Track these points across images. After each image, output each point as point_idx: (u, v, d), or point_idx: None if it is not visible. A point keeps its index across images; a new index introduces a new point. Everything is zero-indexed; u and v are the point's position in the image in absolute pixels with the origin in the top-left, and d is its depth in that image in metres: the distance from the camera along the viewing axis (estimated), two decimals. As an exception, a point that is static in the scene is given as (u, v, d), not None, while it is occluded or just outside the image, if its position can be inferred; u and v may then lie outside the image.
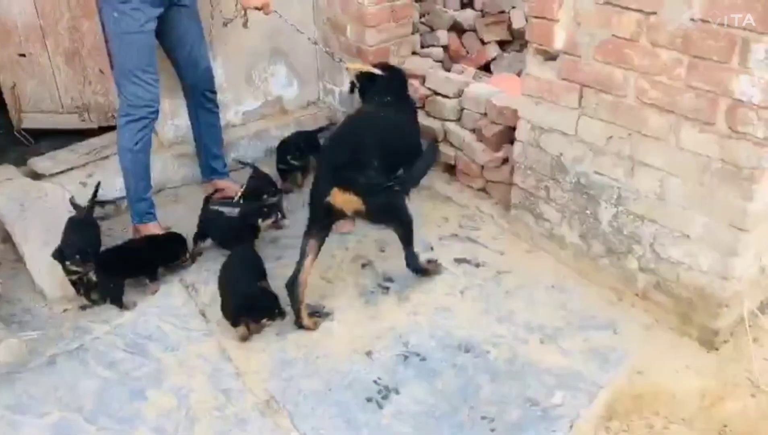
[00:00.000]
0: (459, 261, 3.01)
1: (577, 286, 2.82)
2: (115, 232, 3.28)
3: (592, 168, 2.65)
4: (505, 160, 3.24)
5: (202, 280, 2.92)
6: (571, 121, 2.66)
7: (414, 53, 3.85)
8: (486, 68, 4.05)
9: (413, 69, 3.70)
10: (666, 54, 2.26)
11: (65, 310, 2.74)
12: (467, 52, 4.07)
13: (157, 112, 2.86)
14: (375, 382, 2.39)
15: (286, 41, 3.83)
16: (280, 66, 3.89)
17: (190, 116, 3.26)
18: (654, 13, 2.23)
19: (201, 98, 3.18)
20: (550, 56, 2.67)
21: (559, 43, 2.59)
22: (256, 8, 2.75)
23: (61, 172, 3.34)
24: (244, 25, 2.82)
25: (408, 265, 2.76)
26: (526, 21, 3.94)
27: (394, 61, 3.72)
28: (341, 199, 2.52)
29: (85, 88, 3.55)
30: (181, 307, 2.76)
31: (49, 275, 2.81)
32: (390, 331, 2.62)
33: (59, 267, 2.81)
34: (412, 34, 3.78)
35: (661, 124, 2.35)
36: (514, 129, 3.17)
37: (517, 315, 2.68)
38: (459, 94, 3.42)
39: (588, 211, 2.74)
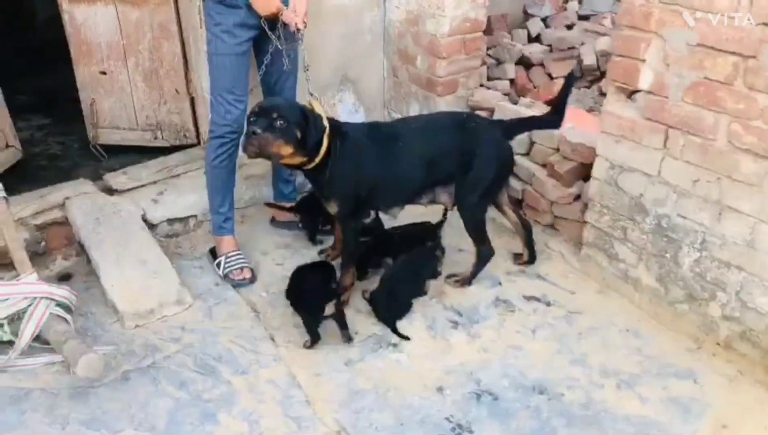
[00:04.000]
0: (529, 298, 2.96)
1: (653, 331, 2.74)
2: (184, 249, 3.33)
3: (675, 211, 2.59)
4: (577, 197, 3.19)
5: (268, 303, 2.93)
6: (654, 161, 2.61)
7: (481, 85, 3.85)
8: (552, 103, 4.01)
9: (481, 101, 3.70)
10: (764, 99, 2.20)
11: (136, 326, 2.76)
12: (534, 87, 4.04)
13: (236, 133, 2.90)
14: (448, 419, 2.34)
15: (357, 68, 3.87)
16: (347, 93, 3.93)
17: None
18: (753, 56, 2.19)
19: None
20: (633, 95, 2.63)
21: (644, 83, 2.55)
22: (273, 15, 2.69)
23: (134, 187, 3.39)
24: (305, 69, 2.84)
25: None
26: (596, 58, 3.94)
27: (462, 92, 3.73)
28: None
29: (160, 107, 3.63)
30: (250, 330, 2.76)
31: (121, 290, 2.85)
32: (461, 368, 2.57)
33: (132, 283, 2.87)
34: (481, 66, 3.78)
35: (755, 170, 2.29)
36: (587, 166, 3.15)
37: (591, 358, 2.61)
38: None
39: (668, 255, 2.67)
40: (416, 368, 2.57)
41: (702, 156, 2.43)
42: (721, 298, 2.53)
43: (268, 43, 2.77)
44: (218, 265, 3.09)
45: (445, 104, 3.68)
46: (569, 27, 4.29)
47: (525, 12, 4.44)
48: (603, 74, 3.99)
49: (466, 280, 3.02)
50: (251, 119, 2.52)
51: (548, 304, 2.93)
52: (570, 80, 2.82)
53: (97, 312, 2.85)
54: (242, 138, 2.53)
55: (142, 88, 3.60)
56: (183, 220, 3.41)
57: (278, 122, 2.48)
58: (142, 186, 3.41)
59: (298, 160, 2.58)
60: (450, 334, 2.75)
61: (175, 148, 3.73)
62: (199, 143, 3.74)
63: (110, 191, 3.38)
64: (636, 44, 2.53)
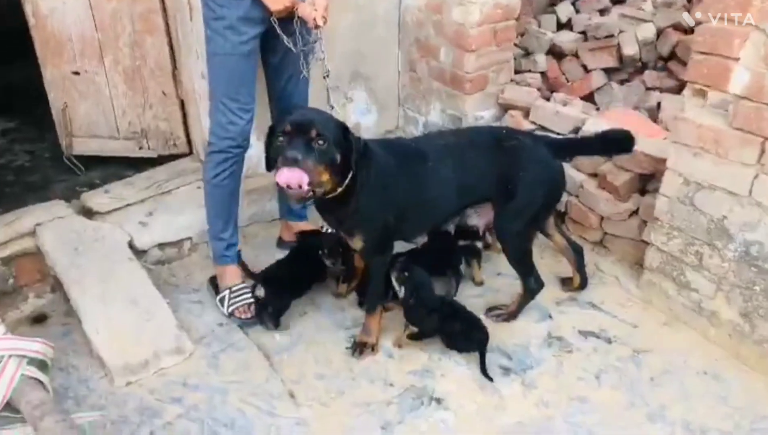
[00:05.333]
0: (585, 334, 2.56)
1: (737, 374, 2.36)
2: (178, 279, 2.86)
3: (769, 237, 2.19)
4: (634, 213, 2.78)
5: (285, 348, 2.49)
6: (743, 179, 2.20)
7: (511, 81, 3.41)
8: (588, 99, 3.58)
9: (514, 99, 3.26)
10: None
11: (128, 384, 2.30)
12: (567, 80, 3.61)
13: (241, 147, 2.44)
14: (514, 499, 1.94)
15: (369, 65, 3.41)
16: (359, 91, 3.46)
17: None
18: None
19: None
20: (720, 100, 2.21)
21: (736, 86, 2.13)
22: (286, 9, 2.22)
23: (118, 208, 2.92)
24: (325, 76, 2.35)
25: None
26: (638, 47, 3.51)
27: (491, 89, 3.28)
28: None
29: (145, 111, 3.12)
30: (264, 384, 2.33)
31: (109, 337, 2.39)
32: (520, 428, 2.17)
33: (121, 328, 2.41)
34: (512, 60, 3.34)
35: None
36: (647, 177, 2.76)
37: (670, 411, 2.23)
38: (574, 132, 2.96)
39: (757, 287, 2.27)
40: (467, 431, 2.16)
41: (811, 175, 2.03)
42: (826, 340, 2.15)
43: (277, 40, 2.30)
44: (222, 300, 2.64)
45: (472, 103, 3.23)
46: (602, 12, 3.84)
47: (551, -5, 3.98)
48: (645, 65, 3.57)
49: (512, 315, 2.61)
50: (280, 139, 2.04)
51: (609, 341, 2.53)
52: None
53: (80, 365, 2.39)
54: (280, 165, 1.98)
55: (123, 91, 3.09)
56: (176, 243, 2.94)
57: (318, 142, 2.00)
58: (128, 206, 2.94)
59: (326, 187, 2.12)
60: (501, 384, 2.33)
61: (164, 159, 3.24)
62: (191, 152, 3.26)
63: (89, 213, 2.91)
64: (728, 39, 2.10)
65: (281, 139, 2.02)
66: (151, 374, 2.34)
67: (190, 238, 2.97)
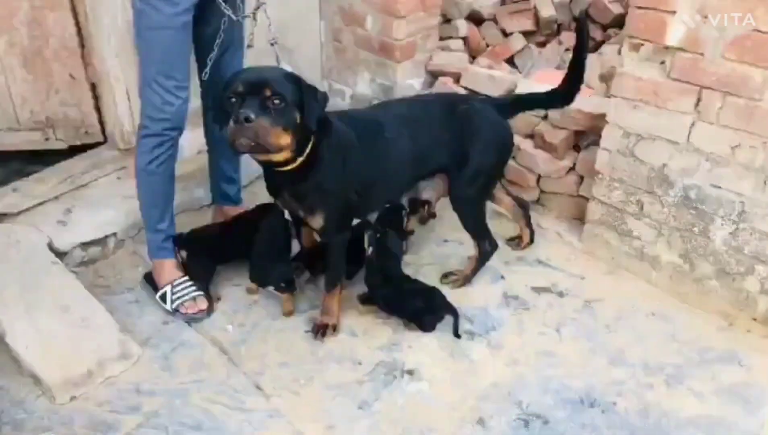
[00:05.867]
0: (538, 290, 2.61)
1: (680, 313, 2.50)
2: (107, 280, 2.62)
3: (707, 180, 2.31)
4: (571, 169, 2.86)
5: (241, 340, 2.35)
6: (682, 127, 2.30)
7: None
8: (509, 62, 3.63)
9: (444, 65, 3.24)
10: (825, 50, 1.93)
11: (72, 399, 2.09)
12: (487, 45, 3.63)
13: (178, 129, 2.25)
14: (503, 460, 1.95)
15: (291, 36, 3.25)
16: (283, 64, 3.29)
17: (205, 130, 2.64)
18: (815, 2, 1.90)
19: None
20: (657, 53, 2.29)
21: (673, 38, 2.21)
22: None
23: (31, 207, 2.62)
24: (273, 43, 2.21)
25: None
26: (554, 9, 3.58)
27: (420, 56, 3.24)
28: None
29: (50, 98, 2.80)
30: (226, 380, 2.18)
31: (42, 351, 2.14)
32: (495, 390, 2.17)
33: (54, 339, 2.17)
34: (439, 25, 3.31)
35: (810, 131, 2.04)
36: (580, 133, 2.83)
37: (628, 353, 2.32)
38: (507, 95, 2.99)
39: (695, 229, 2.41)
40: (445, 399, 2.14)
41: (745, 119, 2.15)
42: (761, 271, 2.31)
43: (215, 11, 2.12)
44: (163, 297, 2.45)
45: (402, 71, 3.18)
46: (514, -25, 3.88)
47: (463, -40, 3.97)
48: (560, 27, 3.66)
49: (467, 279, 2.61)
50: (232, 99, 1.87)
51: (561, 294, 2.60)
52: (583, 36, 2.39)
53: (11, 386, 2.13)
54: (230, 126, 1.85)
55: (22, 76, 2.74)
56: (100, 241, 2.68)
57: (274, 101, 1.86)
58: (42, 204, 2.64)
59: (284, 155, 1.98)
60: (468, 348, 2.33)
61: (75, 150, 2.93)
62: (105, 141, 2.97)
63: (-1, 217, 2.59)
64: (663, -8, 2.17)
65: (233, 99, 1.87)
66: (98, 385, 2.13)
67: (114, 234, 2.72)
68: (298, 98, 1.92)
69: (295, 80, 1.95)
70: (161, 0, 2.00)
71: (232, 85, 1.90)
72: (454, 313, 2.35)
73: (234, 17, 2.12)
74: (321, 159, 2.06)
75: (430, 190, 2.51)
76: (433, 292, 2.40)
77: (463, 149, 2.33)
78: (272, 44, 2.19)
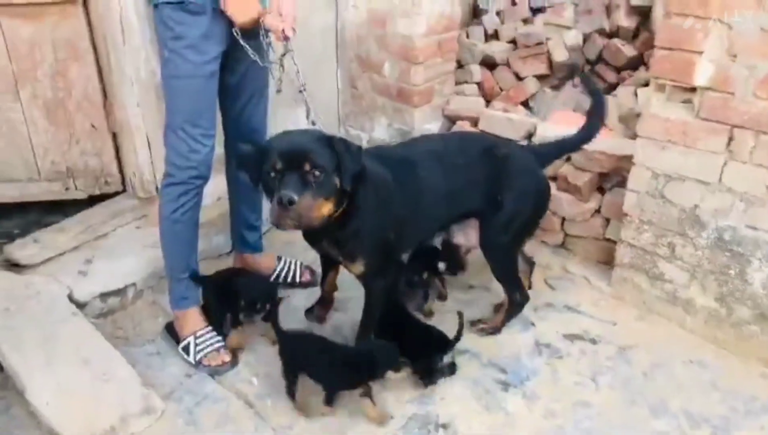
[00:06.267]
0: (570, 338, 2.54)
1: (718, 359, 2.43)
2: (126, 331, 2.56)
3: (742, 221, 2.26)
4: (596, 212, 2.82)
5: (267, 393, 2.27)
6: (713, 167, 2.27)
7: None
8: (524, 105, 3.64)
9: (461, 109, 3.24)
10: None
11: (94, 457, 2.00)
12: (501, 89, 3.65)
13: (203, 177, 2.22)
14: None
15: (309, 84, 3.25)
16: (301, 110, 3.30)
17: (228, 177, 2.61)
18: None
19: None
20: (685, 93, 2.28)
21: (701, 78, 2.20)
22: (253, 21, 2.05)
23: (51, 258, 2.57)
24: (278, 90, 2.22)
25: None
26: (567, 53, 3.60)
27: (437, 101, 3.24)
28: None
29: (71, 148, 2.79)
30: (254, 434, 2.10)
31: (62, 405, 2.07)
32: (534, 443, 2.09)
33: (75, 394, 2.10)
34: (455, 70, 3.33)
35: None
36: (603, 175, 2.80)
37: (670, 403, 2.23)
38: (527, 137, 2.98)
39: (732, 272, 2.35)
40: (482, 454, 2.05)
41: (779, 157, 2.12)
42: (803, 315, 2.24)
43: (240, 59, 2.12)
44: (186, 348, 2.38)
45: (420, 116, 3.18)
46: (525, 21, 3.93)
47: (474, 7, 4.02)
48: (575, 70, 3.67)
49: (497, 329, 2.53)
50: (271, 174, 1.85)
51: (593, 341, 2.52)
52: (597, 93, 2.42)
53: (30, 443, 2.05)
54: (273, 208, 1.84)
55: (44, 127, 2.75)
56: (120, 292, 2.63)
57: (315, 174, 1.83)
58: (62, 254, 2.61)
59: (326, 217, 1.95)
60: (503, 400, 2.25)
61: (95, 200, 2.91)
62: (125, 190, 2.95)
63: (17, 267, 2.54)
64: (690, 34, 2.16)
65: (272, 174, 1.84)
66: (121, 442, 2.05)
67: (134, 284, 2.67)
68: (335, 162, 1.88)
69: (329, 143, 1.91)
70: (189, 49, 2.01)
71: (270, 159, 1.86)
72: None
73: (261, 63, 2.12)
74: (359, 205, 2.02)
75: (461, 235, 2.45)
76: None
77: (499, 194, 2.28)
78: (301, 91, 2.18)
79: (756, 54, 2.06)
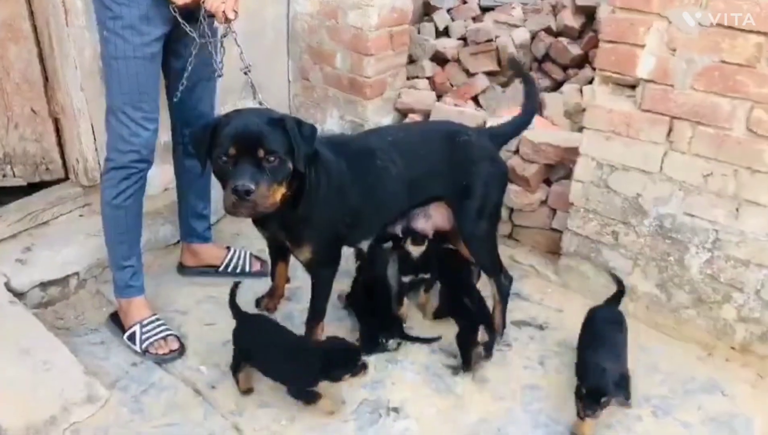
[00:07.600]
0: (518, 324, 2.59)
1: (658, 343, 2.52)
2: (68, 321, 2.48)
3: (680, 209, 2.36)
4: (543, 202, 2.89)
5: (216, 380, 2.23)
6: (654, 157, 2.36)
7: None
8: (474, 101, 3.70)
9: (413, 103, 3.27)
10: (790, 81, 2.03)
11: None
12: (452, 85, 3.70)
13: (146, 161, 2.17)
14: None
15: (259, 75, 3.21)
16: (250, 101, 3.26)
17: (175, 164, 2.56)
18: (778, 35, 2.00)
19: None
20: (628, 86, 2.37)
21: (643, 71, 2.29)
22: (193, 2, 2.01)
23: (-13, 247, 2.47)
24: (219, 74, 2.19)
25: None
26: (516, 50, 3.69)
27: (389, 94, 3.26)
28: None
29: (9, 133, 2.67)
30: (203, 422, 2.06)
31: (1, 397, 1.98)
32: (485, 425, 2.12)
33: (14, 384, 2.01)
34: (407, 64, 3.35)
35: (779, 159, 2.12)
36: (550, 167, 2.87)
37: (613, 385, 2.30)
38: (478, 131, 3.02)
39: (671, 258, 2.45)
40: (434, 436, 2.07)
41: (715, 147, 2.22)
42: (737, 299, 2.35)
43: (186, 43, 2.08)
44: (131, 337, 2.32)
45: (373, 109, 3.19)
46: (474, 19, 4.00)
47: (426, 4, 4.07)
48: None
49: (501, 326, 2.49)
50: (223, 159, 1.82)
51: (541, 327, 2.58)
52: (528, 78, 2.55)
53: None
54: (227, 196, 1.81)
55: (-22, 111, 2.63)
56: (61, 281, 2.54)
57: (269, 159, 1.81)
58: (-1, 242, 2.49)
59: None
60: (453, 383, 2.28)
61: (34, 187, 2.79)
62: (67, 178, 2.85)
63: (-49, 258, 2.42)
64: (633, 28, 2.25)
65: (224, 159, 1.81)
66: (62, 431, 1.97)
67: (76, 274, 2.59)
68: (288, 144, 1.86)
69: (282, 126, 1.87)
70: (128, 29, 1.97)
71: (222, 144, 1.82)
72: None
73: (199, 40, 2.07)
74: (309, 188, 2.00)
75: (423, 220, 2.44)
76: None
77: (464, 180, 2.27)
78: (245, 72, 2.15)
79: (693, 48, 2.15)
